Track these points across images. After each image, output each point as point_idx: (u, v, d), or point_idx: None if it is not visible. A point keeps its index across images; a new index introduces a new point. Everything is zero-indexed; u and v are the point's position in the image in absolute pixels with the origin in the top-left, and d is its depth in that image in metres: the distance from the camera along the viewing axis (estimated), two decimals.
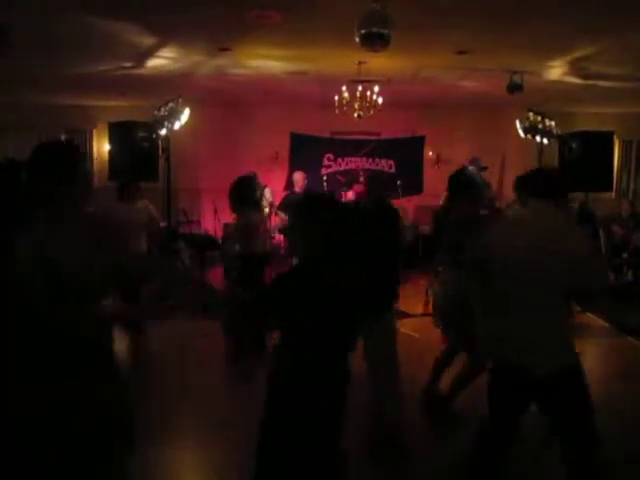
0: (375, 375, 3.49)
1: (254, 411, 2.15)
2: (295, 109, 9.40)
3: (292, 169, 9.78)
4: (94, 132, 9.97)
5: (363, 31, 4.43)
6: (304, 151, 9.69)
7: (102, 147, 9.78)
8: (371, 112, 7.07)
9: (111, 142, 7.33)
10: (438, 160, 9.62)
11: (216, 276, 6.96)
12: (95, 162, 10.03)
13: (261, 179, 7.67)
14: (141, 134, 6.95)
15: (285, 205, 7.68)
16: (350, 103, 6.96)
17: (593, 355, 5.66)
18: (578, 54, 5.76)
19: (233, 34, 5.36)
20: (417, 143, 9.71)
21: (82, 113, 9.65)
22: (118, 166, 7.08)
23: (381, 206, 3.82)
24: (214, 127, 9.48)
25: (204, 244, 7.99)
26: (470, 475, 2.71)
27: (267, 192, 7.65)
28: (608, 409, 4.13)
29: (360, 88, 6.87)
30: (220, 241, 7.92)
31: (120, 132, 7.17)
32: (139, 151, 6.96)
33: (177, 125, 6.83)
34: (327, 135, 9.74)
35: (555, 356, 2.50)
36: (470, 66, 6.40)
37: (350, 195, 8.96)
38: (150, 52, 5.99)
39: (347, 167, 9.89)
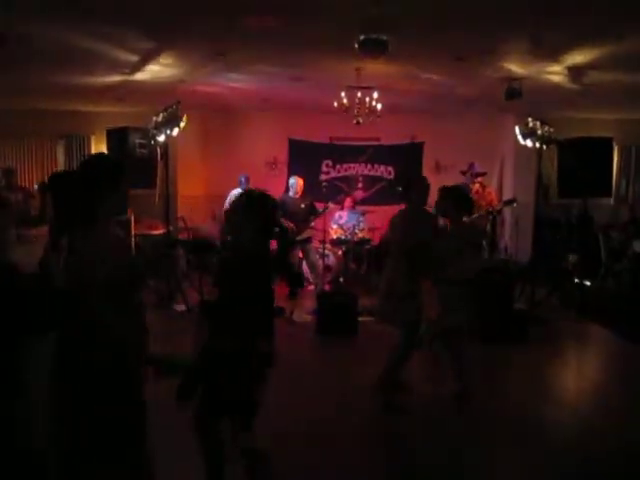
0: None
1: None
2: (293, 115, 9.40)
3: (291, 175, 9.78)
4: (92, 138, 9.94)
5: (362, 37, 4.43)
6: (303, 157, 9.68)
7: None
8: (370, 118, 7.05)
9: (109, 148, 7.29)
10: (437, 166, 9.62)
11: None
12: None
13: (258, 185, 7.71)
14: (139, 140, 6.92)
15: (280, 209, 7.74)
16: (349, 109, 6.95)
17: (592, 360, 5.64)
18: (577, 60, 5.76)
19: (231, 40, 5.35)
20: (416, 149, 9.71)
21: (80, 119, 9.63)
22: None
23: None
24: (212, 133, 9.47)
25: (201, 248, 7.98)
26: None
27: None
28: (608, 413, 4.12)
29: (359, 94, 6.86)
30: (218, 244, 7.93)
31: (118, 138, 7.13)
32: (137, 157, 6.92)
33: (175, 131, 6.80)
34: (326, 141, 9.74)
35: None
36: (469, 72, 6.39)
37: (348, 201, 8.95)
38: (148, 58, 5.97)
39: (346, 173, 9.87)
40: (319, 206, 7.81)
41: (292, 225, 7.54)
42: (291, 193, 7.87)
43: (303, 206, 7.69)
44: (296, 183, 7.83)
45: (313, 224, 7.75)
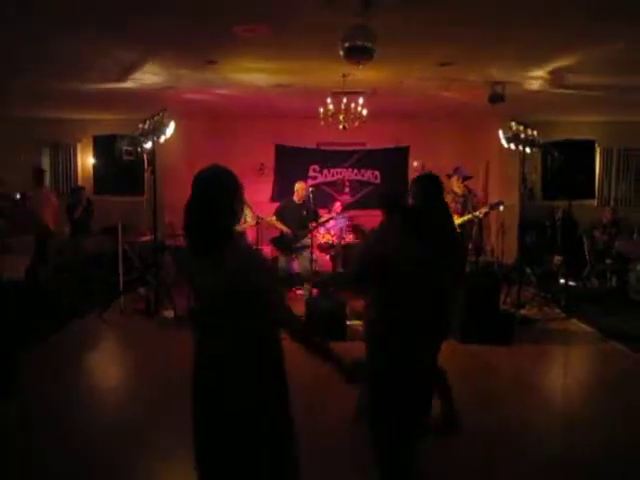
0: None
1: None
2: (280, 121, 9.43)
3: (277, 181, 9.80)
4: (79, 146, 9.92)
5: (347, 44, 4.47)
6: (290, 162, 9.72)
7: (87, 161, 9.73)
8: (356, 124, 7.11)
9: (96, 156, 7.28)
10: (423, 170, 9.70)
11: None
12: (80, 176, 10.00)
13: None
14: (126, 147, 6.90)
15: (280, 213, 7.82)
16: (335, 115, 7.00)
17: (578, 360, 5.72)
18: (559, 64, 5.86)
19: (219, 47, 5.38)
20: (402, 153, 9.79)
21: (67, 126, 9.60)
22: (103, 180, 7.03)
23: None
24: (200, 140, 9.47)
25: None
26: None
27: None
28: (593, 412, 4.19)
29: (345, 100, 6.91)
30: None
31: (105, 145, 7.11)
32: (124, 164, 6.91)
33: (163, 138, 6.80)
34: (312, 146, 9.78)
35: None
36: (453, 77, 6.48)
37: (337, 206, 8.99)
38: (136, 66, 5.98)
39: (333, 178, 9.93)
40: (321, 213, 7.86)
41: (289, 230, 7.56)
42: (296, 198, 7.87)
43: (305, 213, 7.68)
44: (301, 188, 7.85)
45: (312, 231, 7.75)
